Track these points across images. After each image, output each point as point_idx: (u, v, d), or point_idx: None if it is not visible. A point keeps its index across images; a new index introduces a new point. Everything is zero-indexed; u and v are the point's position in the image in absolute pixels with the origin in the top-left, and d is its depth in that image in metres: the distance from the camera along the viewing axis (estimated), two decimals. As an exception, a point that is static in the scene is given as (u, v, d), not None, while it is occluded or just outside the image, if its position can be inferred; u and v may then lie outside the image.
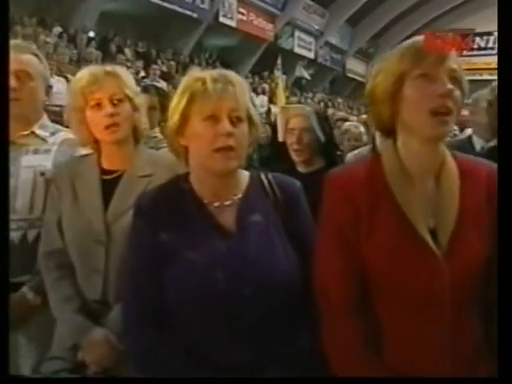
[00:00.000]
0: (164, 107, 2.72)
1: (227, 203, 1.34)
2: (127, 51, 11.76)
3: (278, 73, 9.89)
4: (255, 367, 1.25)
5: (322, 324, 1.24)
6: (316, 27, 19.13)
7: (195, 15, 14.32)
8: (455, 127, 5.31)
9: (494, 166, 1.24)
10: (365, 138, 4.57)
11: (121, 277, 1.48)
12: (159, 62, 11.87)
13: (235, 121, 1.28)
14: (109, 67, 1.62)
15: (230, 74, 1.32)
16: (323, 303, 1.24)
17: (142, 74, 9.94)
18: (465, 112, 1.85)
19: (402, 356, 1.18)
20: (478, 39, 20.85)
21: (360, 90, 23.12)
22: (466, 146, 2.66)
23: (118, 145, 1.64)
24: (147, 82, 7.24)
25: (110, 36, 12.15)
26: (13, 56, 1.76)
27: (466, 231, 1.19)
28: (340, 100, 18.50)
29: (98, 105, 1.59)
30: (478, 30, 19.94)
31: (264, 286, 1.25)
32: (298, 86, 16.21)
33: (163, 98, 2.87)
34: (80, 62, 9.22)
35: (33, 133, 1.83)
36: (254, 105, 1.36)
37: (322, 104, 15.14)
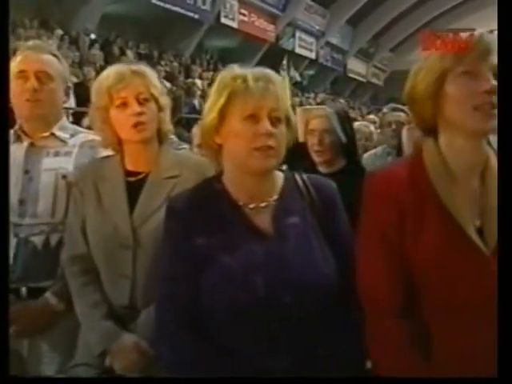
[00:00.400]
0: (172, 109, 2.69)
1: (263, 205, 1.29)
2: (129, 53, 11.74)
3: (283, 73, 9.89)
4: (292, 372, 1.21)
5: (366, 327, 1.22)
6: (317, 27, 19.15)
7: (196, 16, 14.31)
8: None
9: None
10: (375, 137, 4.56)
11: (152, 282, 1.45)
12: (162, 63, 11.86)
13: (275, 121, 1.24)
14: (135, 66, 1.58)
15: (271, 72, 1.28)
16: (368, 306, 1.22)
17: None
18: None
19: (451, 358, 1.15)
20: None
21: (361, 90, 23.19)
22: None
23: (143, 145, 1.59)
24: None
25: (112, 38, 12.14)
26: (33, 56, 1.74)
27: None
28: (342, 100, 18.47)
29: (124, 104, 1.54)
30: (477, 30, 19.90)
31: (303, 290, 1.22)
32: (299, 87, 16.21)
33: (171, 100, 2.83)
34: (82, 63, 9.20)
35: (53, 134, 1.79)
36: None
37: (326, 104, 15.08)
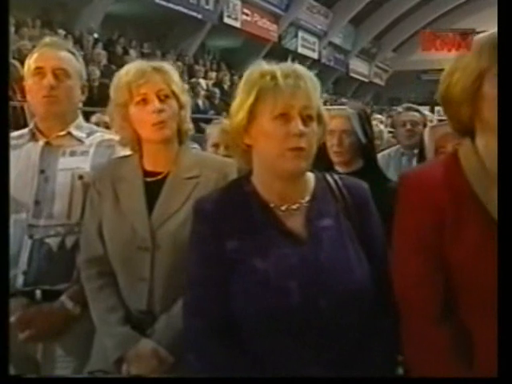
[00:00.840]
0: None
1: (294, 207, 1.24)
2: (132, 52, 11.70)
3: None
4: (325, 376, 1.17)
5: (404, 331, 1.18)
6: (319, 27, 19.08)
7: (200, 16, 14.25)
8: None
9: None
10: (385, 136, 4.53)
11: (171, 286, 1.41)
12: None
13: (306, 119, 1.18)
14: (155, 63, 1.53)
15: (300, 68, 1.22)
16: (406, 311, 1.17)
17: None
18: None
19: (493, 360, 1.10)
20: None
21: (363, 90, 23.14)
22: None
23: (163, 144, 1.54)
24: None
25: (115, 37, 12.10)
26: (51, 53, 1.69)
27: None
28: (344, 100, 18.44)
29: (144, 100, 1.49)
30: (478, 30, 19.86)
31: (339, 295, 1.17)
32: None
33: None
34: (87, 63, 9.16)
35: (69, 133, 1.74)
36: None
37: (328, 104, 15.07)
